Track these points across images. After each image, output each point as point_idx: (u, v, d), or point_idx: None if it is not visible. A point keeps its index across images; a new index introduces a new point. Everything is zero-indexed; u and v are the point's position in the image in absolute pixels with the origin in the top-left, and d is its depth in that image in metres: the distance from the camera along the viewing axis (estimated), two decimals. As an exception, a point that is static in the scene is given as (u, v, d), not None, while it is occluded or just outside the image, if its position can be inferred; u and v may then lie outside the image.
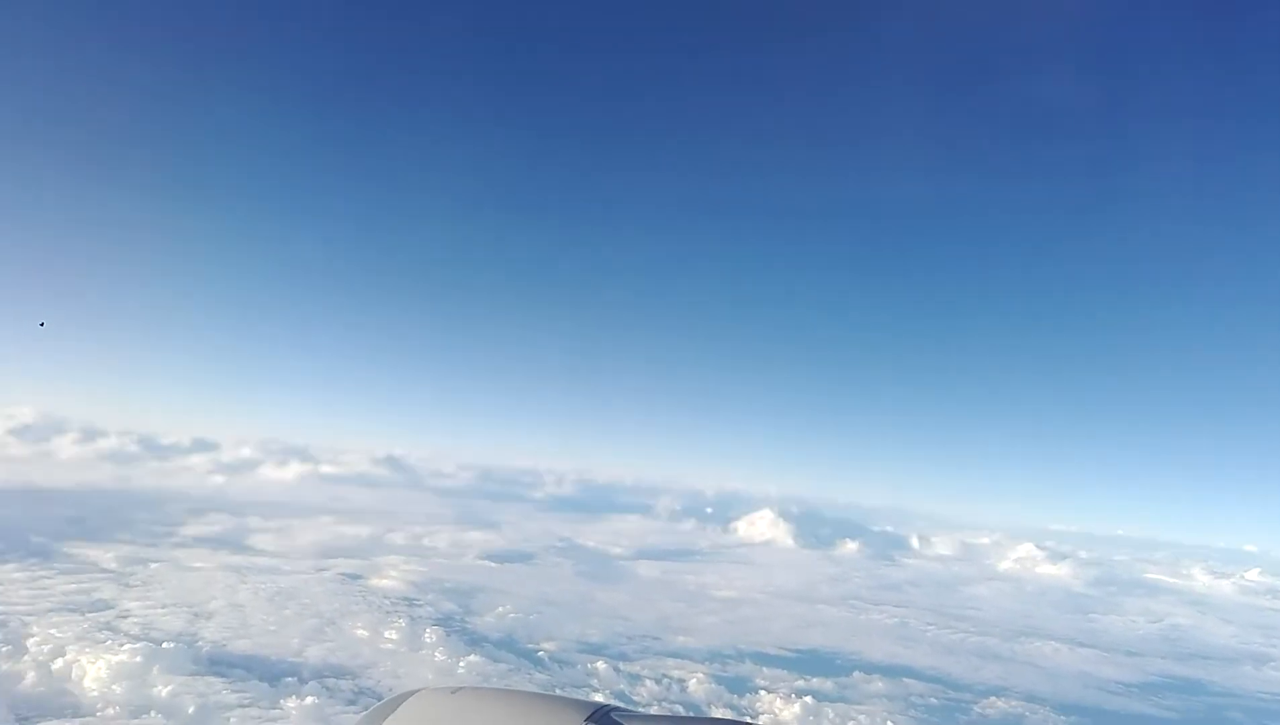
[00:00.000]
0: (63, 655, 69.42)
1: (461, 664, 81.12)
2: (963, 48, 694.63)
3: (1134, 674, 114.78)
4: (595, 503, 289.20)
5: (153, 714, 62.67)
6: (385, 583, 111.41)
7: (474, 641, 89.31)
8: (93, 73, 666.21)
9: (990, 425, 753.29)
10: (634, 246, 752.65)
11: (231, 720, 64.27)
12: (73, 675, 66.84)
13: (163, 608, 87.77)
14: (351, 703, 68.90)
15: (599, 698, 7.75)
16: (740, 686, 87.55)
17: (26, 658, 68.61)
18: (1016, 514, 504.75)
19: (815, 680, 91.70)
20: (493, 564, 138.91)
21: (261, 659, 75.94)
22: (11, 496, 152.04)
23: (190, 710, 64.01)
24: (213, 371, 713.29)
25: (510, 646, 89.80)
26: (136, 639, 74.87)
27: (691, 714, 73.90)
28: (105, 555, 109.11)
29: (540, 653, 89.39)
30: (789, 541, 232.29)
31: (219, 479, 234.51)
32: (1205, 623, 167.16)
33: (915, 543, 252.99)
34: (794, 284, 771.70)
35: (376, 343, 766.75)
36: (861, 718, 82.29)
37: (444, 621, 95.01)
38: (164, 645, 73.33)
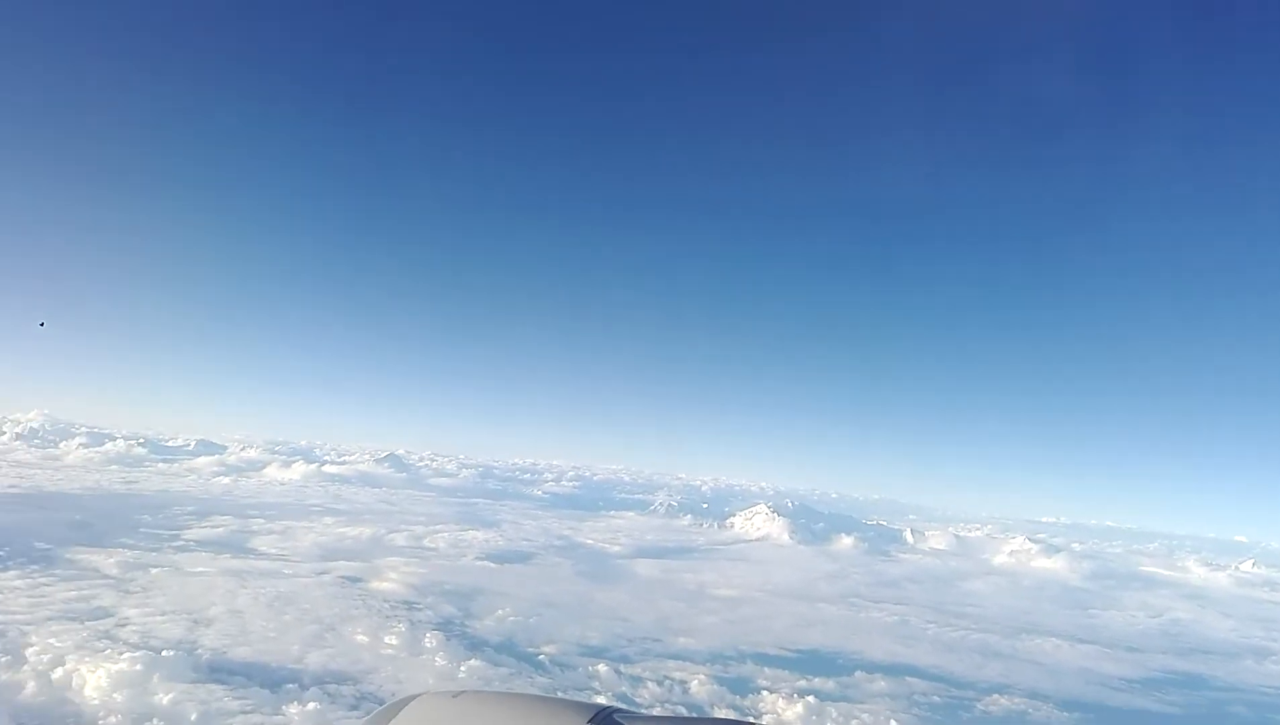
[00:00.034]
0: (63, 664, 69.16)
1: (462, 668, 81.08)
2: (963, 47, 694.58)
3: (1136, 670, 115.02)
4: (593, 499, 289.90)
5: (155, 722, 62.46)
6: (386, 586, 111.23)
7: (474, 645, 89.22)
8: (98, 82, 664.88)
9: (979, 418, 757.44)
10: (630, 247, 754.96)
11: (233, 728, 64.19)
12: (73, 684, 66.55)
13: (163, 615, 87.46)
14: (353, 708, 68.77)
15: (601, 700, 7.60)
16: (742, 687, 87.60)
17: (26, 667, 68.35)
18: (1006, 506, 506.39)
19: (817, 680, 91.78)
20: (492, 565, 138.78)
21: (262, 665, 75.68)
22: (19, 501, 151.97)
23: (192, 718, 63.88)
24: (218, 374, 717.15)
25: (511, 650, 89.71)
26: (136, 647, 74.55)
27: (694, 715, 73.91)
28: (107, 561, 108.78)
29: (541, 656, 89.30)
30: (785, 536, 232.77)
31: (225, 480, 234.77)
32: (1205, 616, 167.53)
33: (909, 537, 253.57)
34: (785, 282, 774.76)
35: (378, 343, 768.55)
36: (865, 717, 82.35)
37: (444, 625, 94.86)
38: (164, 653, 73.10)
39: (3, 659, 68.91)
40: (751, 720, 6.56)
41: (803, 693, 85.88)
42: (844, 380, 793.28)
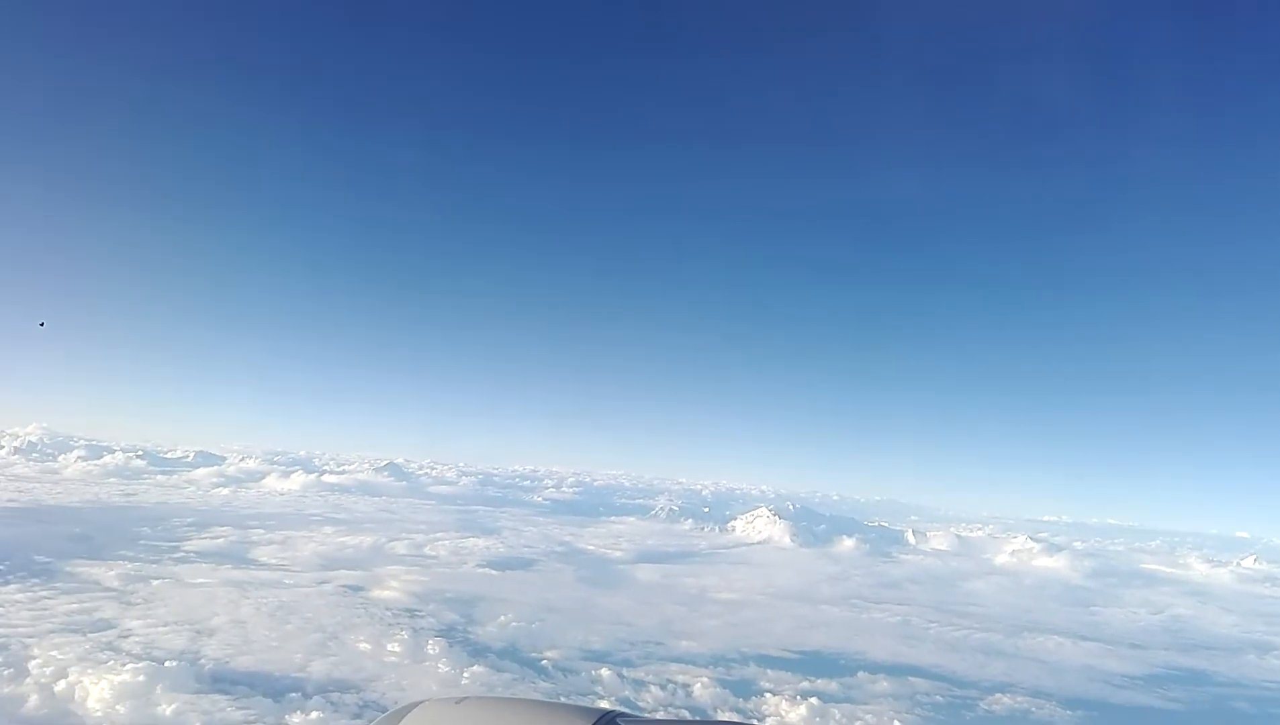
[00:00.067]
0: (65, 677, 69.11)
1: (465, 675, 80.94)
2: (965, 48, 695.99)
3: (1138, 666, 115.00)
4: (594, 505, 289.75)
5: (158, 733, 62.47)
6: (387, 594, 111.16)
7: (477, 652, 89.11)
8: (98, 90, 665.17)
9: (980, 418, 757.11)
10: (627, 252, 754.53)
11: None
12: (76, 696, 66.49)
13: (165, 626, 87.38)
14: (356, 716, 68.69)
15: (604, 705, 7.69)
16: (745, 690, 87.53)
17: (29, 680, 68.26)
18: (1008, 506, 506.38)
19: (820, 681, 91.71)
20: (494, 571, 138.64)
21: (265, 675, 75.62)
22: (18, 515, 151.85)
23: (195, 728, 63.87)
24: (215, 385, 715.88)
25: (513, 656, 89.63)
26: (139, 658, 74.63)
27: (698, 719, 73.95)
28: (108, 573, 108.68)
29: (544, 661, 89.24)
30: (786, 539, 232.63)
31: (224, 491, 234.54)
32: (1206, 613, 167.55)
33: (911, 538, 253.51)
34: (782, 284, 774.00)
35: (375, 352, 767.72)
36: (868, 718, 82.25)
37: (446, 632, 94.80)
38: (167, 664, 73.12)
39: (6, 672, 68.82)
40: (755, 723, 6.64)
41: (806, 694, 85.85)
42: (844, 382, 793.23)
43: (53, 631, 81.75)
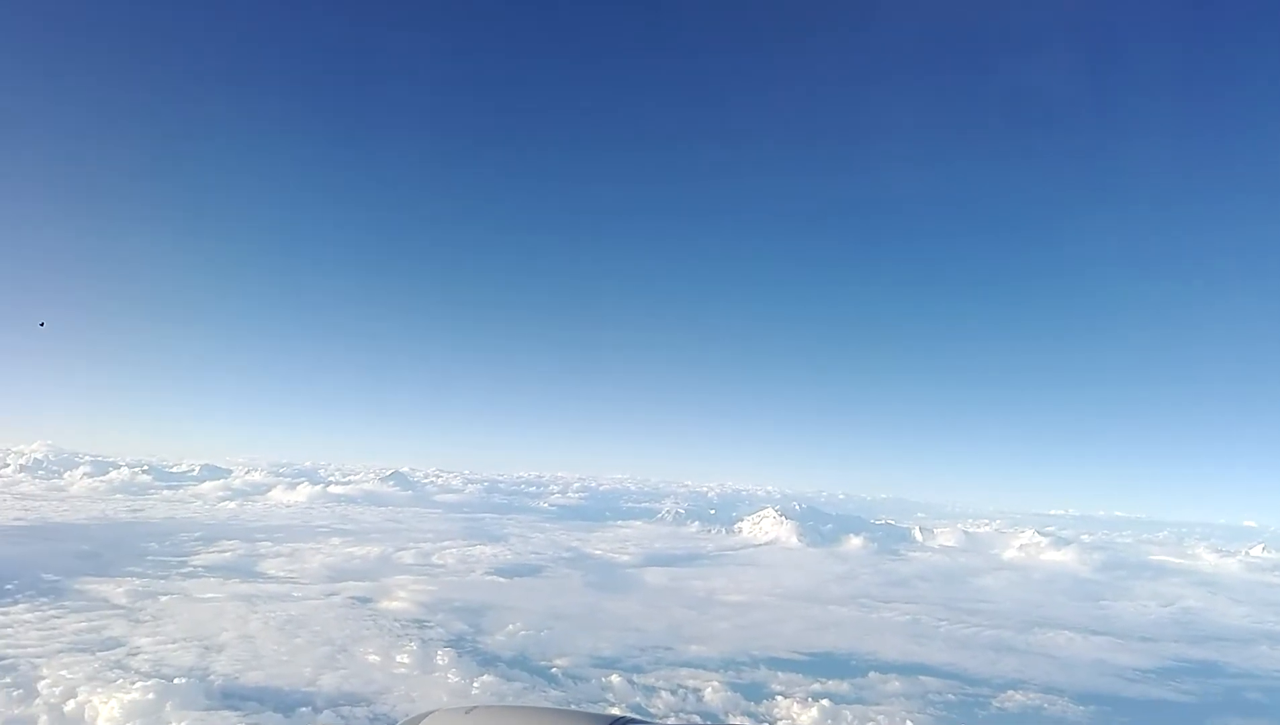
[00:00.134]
0: (75, 696, 69.05)
1: (475, 684, 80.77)
2: (964, 43, 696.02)
3: (1150, 660, 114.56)
4: (600, 509, 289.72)
5: (169, 751, 62.38)
6: (395, 605, 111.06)
7: (487, 661, 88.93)
8: (98, 102, 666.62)
9: (985, 413, 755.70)
10: (629, 255, 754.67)
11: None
12: (86, 716, 66.45)
13: (174, 642, 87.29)
14: (367, 729, 68.74)
15: (615, 711, 7.58)
16: (756, 693, 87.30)
17: (39, 701, 68.27)
18: (1014, 500, 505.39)
19: (831, 683, 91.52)
20: (502, 579, 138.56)
21: (275, 689, 75.53)
22: (25, 533, 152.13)
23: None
24: (219, 397, 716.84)
25: (523, 665, 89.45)
26: (148, 676, 74.49)
27: (709, 723, 73.78)
28: (116, 590, 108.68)
29: (554, 669, 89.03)
30: (793, 539, 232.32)
31: (230, 505, 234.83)
32: (1216, 604, 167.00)
33: (918, 535, 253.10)
34: (784, 284, 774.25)
35: (378, 361, 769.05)
36: (880, 718, 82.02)
37: (456, 642, 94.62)
38: (176, 681, 73.00)
39: (15, 693, 68.85)
40: None
41: (817, 696, 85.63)
42: (847, 380, 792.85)
43: (61, 651, 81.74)
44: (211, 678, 76.80)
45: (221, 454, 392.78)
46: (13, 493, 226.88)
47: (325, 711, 70.97)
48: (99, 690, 70.26)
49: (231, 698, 72.58)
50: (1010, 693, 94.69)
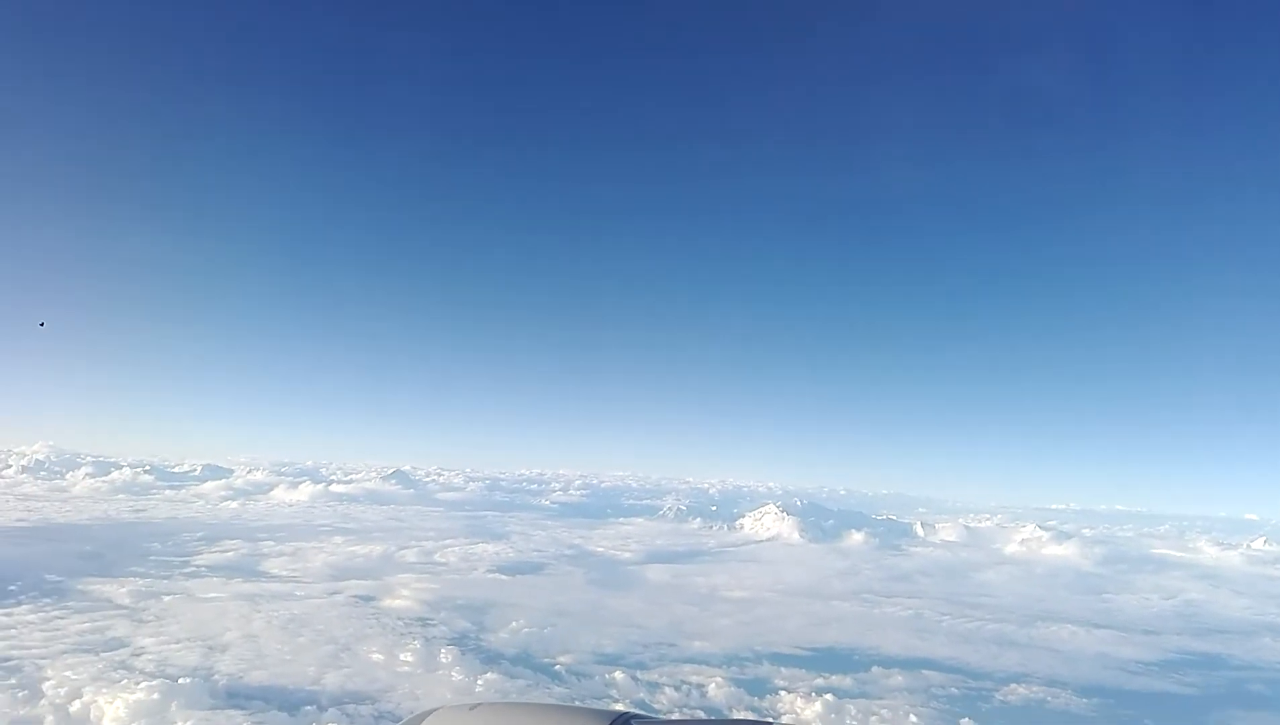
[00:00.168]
0: (80, 697, 69.19)
1: (479, 682, 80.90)
2: (965, 41, 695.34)
3: (1153, 652, 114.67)
4: (601, 507, 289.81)
5: (174, 751, 62.48)
6: (398, 603, 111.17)
7: (490, 659, 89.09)
8: (103, 104, 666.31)
9: (985, 408, 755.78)
10: (628, 252, 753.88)
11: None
12: (91, 716, 66.55)
13: (177, 642, 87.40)
14: (372, 727, 68.86)
15: (619, 708, 7.65)
16: (760, 688, 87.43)
17: (44, 701, 68.42)
18: (1015, 494, 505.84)
19: (834, 677, 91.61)
20: (504, 577, 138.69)
21: (280, 688, 75.65)
22: (28, 534, 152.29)
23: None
24: (221, 397, 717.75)
25: (526, 662, 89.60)
26: (153, 676, 74.60)
27: (713, 719, 73.71)
28: (119, 590, 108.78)
29: (557, 666, 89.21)
30: (795, 535, 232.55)
31: (233, 504, 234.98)
32: (1218, 596, 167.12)
33: (920, 530, 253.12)
34: (783, 281, 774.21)
35: (379, 360, 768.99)
36: (883, 712, 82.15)
37: (459, 640, 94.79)
38: (181, 681, 73.10)
39: (21, 694, 68.98)
40: (770, 721, 6.65)
41: (820, 691, 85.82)
42: (847, 376, 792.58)
43: (66, 652, 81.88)
44: (216, 677, 76.87)
45: (223, 454, 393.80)
46: (15, 494, 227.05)
47: (330, 710, 71.12)
48: (104, 690, 70.37)
49: (236, 697, 72.69)
50: (1013, 686, 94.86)
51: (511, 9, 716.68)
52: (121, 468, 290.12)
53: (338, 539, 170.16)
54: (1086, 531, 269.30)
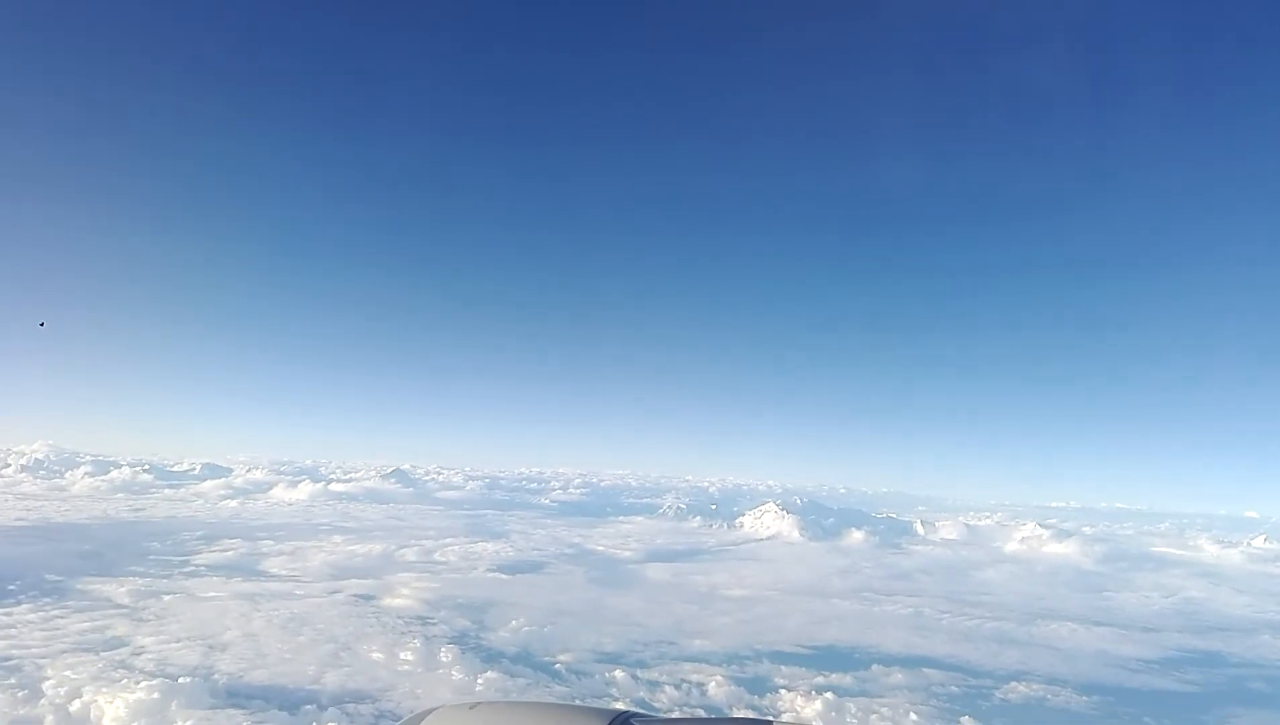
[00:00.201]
0: (80, 696, 69.14)
1: (479, 681, 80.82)
2: (965, 38, 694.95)
3: (1153, 650, 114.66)
4: (601, 505, 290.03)
5: (174, 750, 62.42)
6: (398, 602, 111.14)
7: (490, 657, 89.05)
8: (98, 103, 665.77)
9: (985, 406, 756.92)
10: (628, 251, 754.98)
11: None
12: (91, 716, 66.49)
13: (177, 642, 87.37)
14: (372, 726, 68.81)
15: (619, 707, 7.62)
16: (760, 686, 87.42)
17: (44, 701, 68.36)
18: (1015, 492, 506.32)
19: (834, 676, 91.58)
20: (504, 575, 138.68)
21: (280, 688, 75.61)
22: (27, 534, 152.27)
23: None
24: (220, 396, 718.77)
25: (527, 660, 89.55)
26: (153, 675, 74.56)
27: (713, 717, 73.72)
28: (119, 590, 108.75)
29: (557, 665, 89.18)
30: (795, 534, 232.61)
31: (232, 503, 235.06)
32: (1219, 594, 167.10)
33: (920, 528, 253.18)
34: (783, 279, 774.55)
35: (379, 358, 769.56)
36: (884, 710, 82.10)
37: (459, 639, 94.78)
38: (181, 680, 73.05)
39: (20, 693, 68.95)
40: (770, 719, 6.62)
41: (820, 689, 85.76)
42: (847, 374, 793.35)
43: (65, 651, 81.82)
44: (216, 676, 76.82)
45: (222, 452, 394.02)
46: (14, 493, 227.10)
47: (330, 709, 71.08)
48: (104, 690, 70.31)
49: (236, 696, 72.62)
50: (1013, 684, 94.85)
51: (510, 8, 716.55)
52: (121, 467, 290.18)
53: (337, 538, 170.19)
54: (1087, 529, 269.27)
